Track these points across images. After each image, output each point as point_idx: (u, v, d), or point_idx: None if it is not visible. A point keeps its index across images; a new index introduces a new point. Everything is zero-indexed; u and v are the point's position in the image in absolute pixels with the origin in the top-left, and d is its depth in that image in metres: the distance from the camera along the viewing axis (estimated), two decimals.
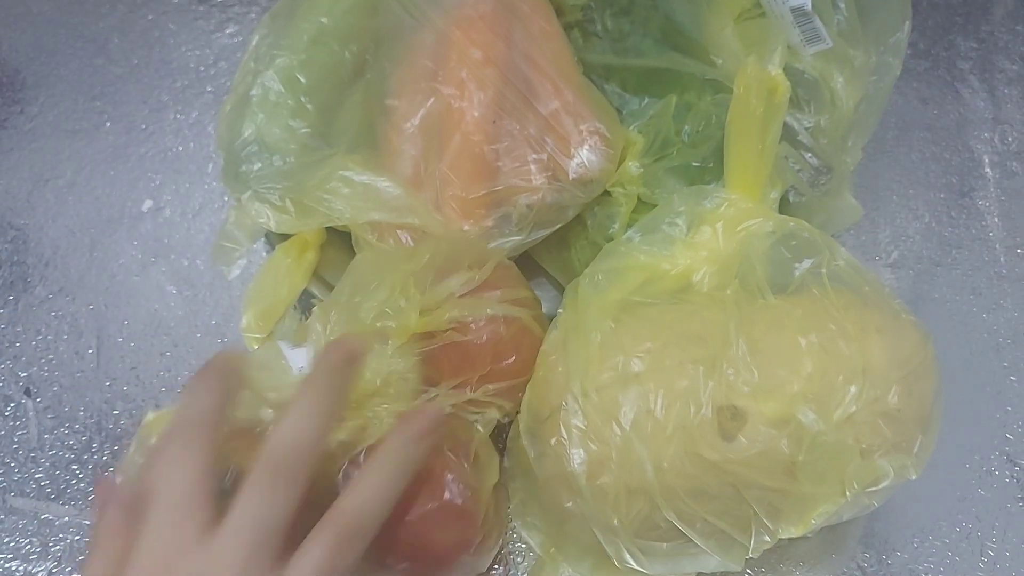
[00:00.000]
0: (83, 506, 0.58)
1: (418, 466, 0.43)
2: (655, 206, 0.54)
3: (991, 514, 0.58)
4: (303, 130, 0.55)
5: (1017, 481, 0.59)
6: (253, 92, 0.56)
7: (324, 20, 0.56)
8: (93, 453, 0.60)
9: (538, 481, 0.50)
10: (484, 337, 0.49)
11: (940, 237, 0.66)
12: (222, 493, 0.45)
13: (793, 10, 0.53)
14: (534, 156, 0.53)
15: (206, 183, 0.67)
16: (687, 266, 0.50)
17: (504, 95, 0.53)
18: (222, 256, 0.57)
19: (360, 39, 0.57)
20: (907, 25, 0.56)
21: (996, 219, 0.66)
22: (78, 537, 0.57)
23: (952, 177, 0.68)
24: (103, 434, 0.60)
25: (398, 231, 0.53)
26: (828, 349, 0.46)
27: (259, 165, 0.55)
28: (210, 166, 0.67)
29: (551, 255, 0.60)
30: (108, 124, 0.69)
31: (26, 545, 0.57)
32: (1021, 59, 0.71)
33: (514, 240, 0.54)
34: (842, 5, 0.54)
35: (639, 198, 0.55)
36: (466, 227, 0.53)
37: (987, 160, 0.68)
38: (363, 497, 0.40)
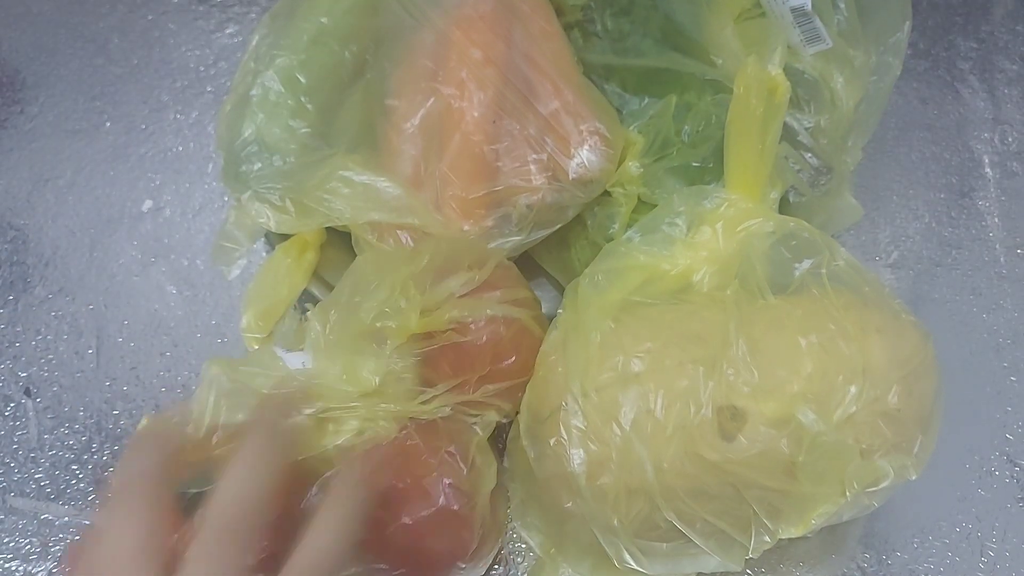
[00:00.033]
0: (83, 506, 0.58)
1: (368, 508, 0.42)
2: (655, 206, 0.54)
3: (991, 514, 0.58)
4: (303, 130, 0.55)
5: (1017, 481, 0.59)
6: (253, 92, 0.56)
7: (324, 20, 0.56)
8: (93, 453, 0.60)
9: (538, 481, 0.50)
10: (484, 338, 0.49)
11: (940, 237, 0.66)
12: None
13: (793, 10, 0.53)
14: (534, 156, 0.53)
15: (206, 183, 0.67)
16: (687, 266, 0.50)
17: (504, 95, 0.53)
18: (222, 256, 0.57)
19: (360, 39, 0.57)
20: (907, 25, 0.56)
21: (996, 219, 0.66)
22: (78, 537, 0.57)
23: (952, 177, 0.68)
24: (103, 434, 0.60)
25: (398, 231, 0.53)
26: (828, 349, 0.46)
27: (259, 165, 0.55)
28: (210, 166, 0.67)
29: (551, 255, 0.60)
30: (108, 124, 0.69)
31: (26, 545, 0.57)
32: (1021, 59, 0.71)
33: (514, 240, 0.54)
34: (842, 5, 0.54)
35: (639, 198, 0.55)
36: (466, 227, 0.53)
37: (987, 160, 0.68)
38: (315, 549, 0.39)
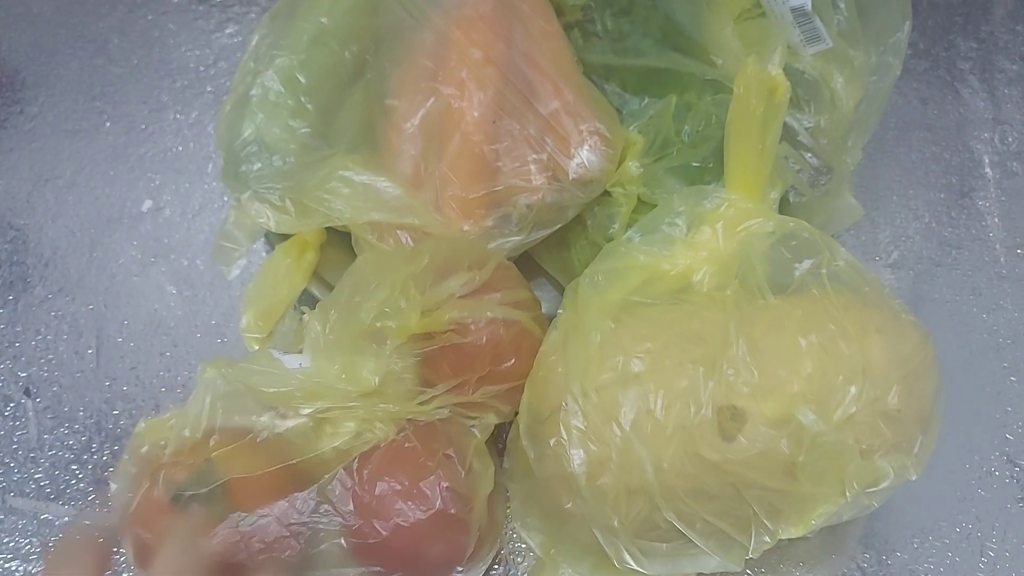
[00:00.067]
0: (83, 506, 0.58)
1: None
2: (655, 206, 0.54)
3: (991, 514, 0.58)
4: (303, 130, 0.55)
5: (1017, 481, 0.59)
6: (253, 92, 0.56)
7: (324, 20, 0.56)
8: (93, 453, 0.60)
9: (538, 482, 0.50)
10: (484, 339, 0.49)
11: (940, 237, 0.66)
12: (207, 496, 0.45)
13: (793, 10, 0.53)
14: (534, 156, 0.53)
15: (206, 183, 0.67)
16: (687, 266, 0.50)
17: (504, 95, 0.53)
18: (222, 256, 0.57)
19: (360, 39, 0.56)
20: (907, 25, 0.56)
21: (996, 219, 0.66)
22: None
23: (952, 177, 0.68)
24: (103, 434, 0.60)
25: (398, 231, 0.53)
26: (828, 349, 0.46)
27: (259, 165, 0.55)
28: (210, 166, 0.67)
29: (551, 255, 0.60)
30: (108, 124, 0.69)
31: (26, 545, 0.57)
32: (1021, 59, 0.71)
33: (514, 240, 0.54)
34: (842, 5, 0.54)
35: (639, 198, 0.55)
36: (466, 227, 0.53)
37: (987, 160, 0.68)
38: None
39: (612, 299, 0.49)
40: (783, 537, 0.47)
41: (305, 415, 0.47)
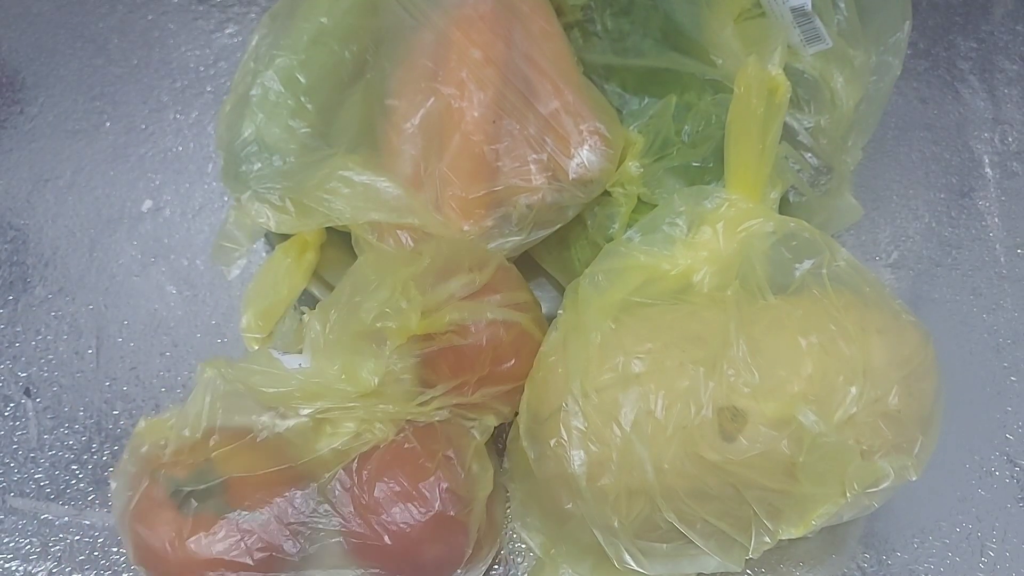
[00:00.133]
0: (83, 506, 0.58)
1: None
2: (655, 206, 0.54)
3: (991, 514, 0.58)
4: (303, 130, 0.55)
5: (1017, 481, 0.59)
6: (253, 92, 0.56)
7: (324, 20, 0.56)
8: (93, 453, 0.60)
9: (538, 482, 0.50)
10: (484, 340, 0.49)
11: (940, 237, 0.66)
12: (206, 493, 0.45)
13: (793, 10, 0.53)
14: (534, 156, 0.53)
15: (206, 183, 0.67)
16: (687, 266, 0.50)
17: (504, 95, 0.53)
18: (222, 256, 0.57)
19: (360, 39, 0.56)
20: (907, 25, 0.56)
21: (996, 219, 0.66)
22: (78, 537, 0.58)
23: (952, 177, 0.68)
24: (103, 434, 0.60)
25: (398, 231, 0.53)
26: (828, 350, 0.46)
27: (259, 165, 0.55)
28: (210, 166, 0.67)
29: (551, 255, 0.60)
30: (108, 124, 0.69)
31: (26, 545, 0.57)
32: (1021, 59, 0.71)
33: (514, 240, 0.54)
34: (842, 5, 0.54)
35: (639, 198, 0.55)
36: (466, 227, 0.53)
37: (987, 160, 0.68)
38: None
39: (612, 299, 0.49)
40: (783, 537, 0.47)
41: (305, 415, 0.47)
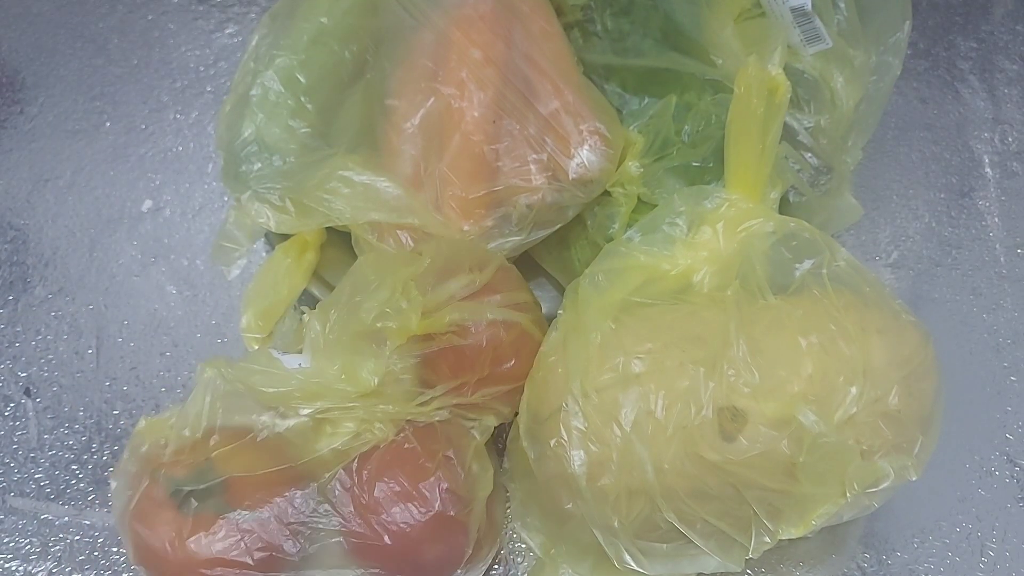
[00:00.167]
0: (83, 506, 0.58)
1: None
2: (655, 206, 0.54)
3: (991, 514, 0.58)
4: (303, 130, 0.55)
5: (1017, 481, 0.59)
6: (253, 92, 0.56)
7: (324, 20, 0.56)
8: (93, 453, 0.60)
9: (538, 482, 0.50)
10: (484, 341, 0.49)
11: (940, 237, 0.66)
12: (206, 492, 0.45)
13: (793, 10, 0.53)
14: (534, 156, 0.53)
15: (206, 183, 0.67)
16: (687, 266, 0.50)
17: (504, 95, 0.53)
18: (222, 256, 0.57)
19: (360, 39, 0.56)
20: (907, 25, 0.56)
21: (996, 219, 0.66)
22: (78, 537, 0.58)
23: (952, 177, 0.68)
24: (103, 434, 0.60)
25: (398, 231, 0.53)
26: (829, 350, 0.46)
27: (259, 165, 0.55)
28: (210, 166, 0.67)
29: (551, 255, 0.60)
30: (108, 124, 0.69)
31: (26, 545, 0.57)
32: (1021, 59, 0.71)
33: (514, 240, 0.54)
34: (842, 5, 0.54)
35: (639, 198, 0.55)
36: (466, 227, 0.53)
37: (987, 160, 0.68)
38: None
39: (612, 299, 0.49)
40: (783, 537, 0.47)
41: (305, 415, 0.47)
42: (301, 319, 0.52)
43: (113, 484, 0.48)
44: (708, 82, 0.55)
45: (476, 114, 0.53)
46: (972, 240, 0.66)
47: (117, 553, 0.57)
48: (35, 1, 0.72)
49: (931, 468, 0.48)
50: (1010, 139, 0.69)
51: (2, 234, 0.66)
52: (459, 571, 0.49)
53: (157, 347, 0.62)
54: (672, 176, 0.55)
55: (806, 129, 0.55)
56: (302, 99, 0.56)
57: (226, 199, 0.66)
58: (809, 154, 0.55)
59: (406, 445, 0.47)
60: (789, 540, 0.48)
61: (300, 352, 0.49)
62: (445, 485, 0.47)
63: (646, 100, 0.57)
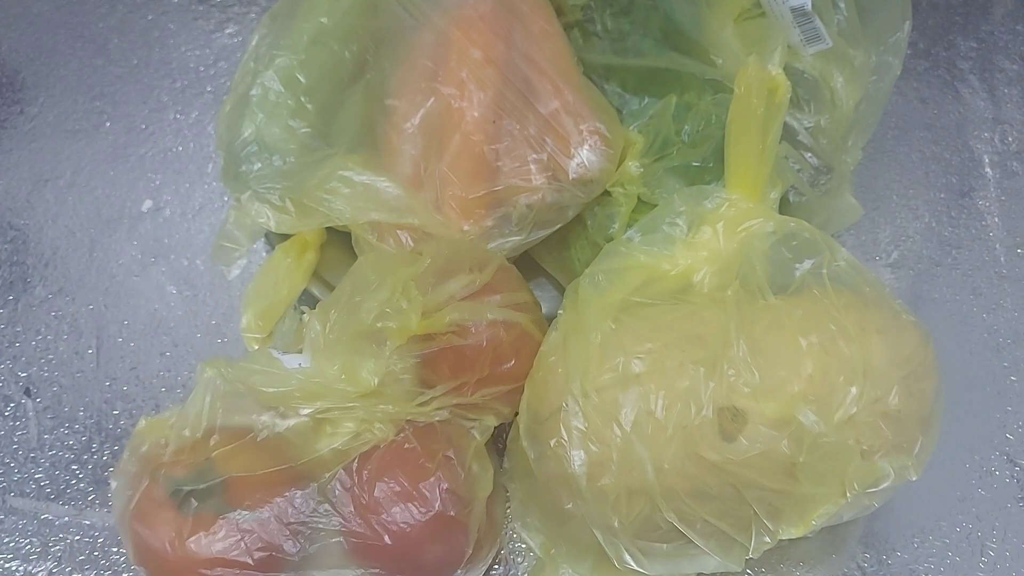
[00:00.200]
0: (83, 506, 0.58)
1: None
2: (655, 206, 0.54)
3: (991, 514, 0.58)
4: (303, 130, 0.55)
5: (1017, 481, 0.59)
6: (253, 92, 0.56)
7: (324, 20, 0.56)
8: (93, 453, 0.60)
9: (538, 482, 0.50)
10: (484, 341, 0.49)
11: (940, 237, 0.66)
12: (206, 492, 0.45)
13: (793, 10, 0.53)
14: (534, 156, 0.53)
15: (206, 183, 0.67)
16: (687, 266, 0.50)
17: (504, 95, 0.53)
18: (222, 256, 0.57)
19: (360, 39, 0.56)
20: (907, 25, 0.56)
21: (996, 219, 0.66)
22: (78, 537, 0.58)
23: (952, 177, 0.68)
24: (103, 434, 0.60)
25: (398, 231, 0.53)
26: (829, 350, 0.46)
27: (259, 165, 0.55)
28: (210, 166, 0.67)
29: (551, 255, 0.60)
30: (108, 124, 0.69)
31: (26, 545, 0.57)
32: (1021, 59, 0.71)
33: (514, 240, 0.54)
34: (842, 5, 0.54)
35: (639, 198, 0.55)
36: (466, 227, 0.53)
37: (987, 160, 0.68)
38: None
39: (612, 299, 0.49)
40: (783, 537, 0.47)
41: (305, 415, 0.47)
42: (301, 319, 0.52)
43: (113, 484, 0.48)
44: (708, 82, 0.55)
45: (476, 114, 0.53)
46: (972, 240, 0.66)
47: (117, 553, 0.57)
48: (35, 1, 0.72)
49: (931, 468, 0.48)
50: (1010, 139, 0.69)
51: (2, 234, 0.66)
52: (459, 571, 0.49)
53: (157, 347, 0.62)
54: (672, 176, 0.55)
55: (806, 129, 0.55)
56: (302, 99, 0.56)
57: (226, 199, 0.66)
58: (809, 154, 0.55)
59: (406, 445, 0.47)
60: (789, 540, 0.48)
61: (300, 352, 0.49)
62: (445, 485, 0.47)
63: (646, 100, 0.57)
